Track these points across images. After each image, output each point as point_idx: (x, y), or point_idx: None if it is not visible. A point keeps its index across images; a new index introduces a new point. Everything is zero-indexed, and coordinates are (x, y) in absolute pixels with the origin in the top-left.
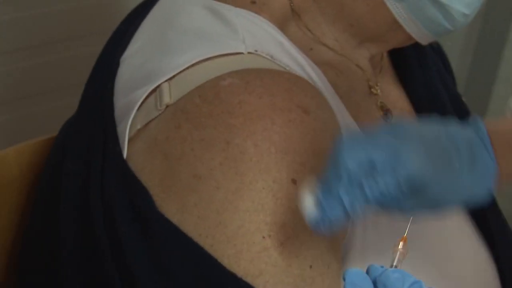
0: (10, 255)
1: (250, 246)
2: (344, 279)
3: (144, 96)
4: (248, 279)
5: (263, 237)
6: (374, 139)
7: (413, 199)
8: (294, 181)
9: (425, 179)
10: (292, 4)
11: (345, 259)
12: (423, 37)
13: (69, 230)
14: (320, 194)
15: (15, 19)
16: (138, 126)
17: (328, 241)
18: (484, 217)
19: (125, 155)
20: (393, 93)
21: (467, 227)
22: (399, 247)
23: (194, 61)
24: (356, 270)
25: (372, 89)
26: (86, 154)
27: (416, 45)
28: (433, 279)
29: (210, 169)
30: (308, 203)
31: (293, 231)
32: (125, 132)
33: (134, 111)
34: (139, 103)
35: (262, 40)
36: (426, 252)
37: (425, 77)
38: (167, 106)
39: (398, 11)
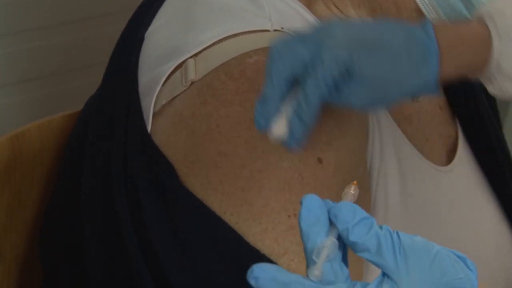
0: (33, 230)
1: (275, 224)
2: (301, 203)
3: (169, 72)
4: (273, 258)
5: (289, 216)
6: (301, 39)
7: (355, 86)
8: (320, 160)
9: (356, 58)
10: None
11: None
12: None
13: (91, 204)
14: (259, 106)
15: None
16: (163, 102)
17: None
18: (509, 198)
19: (149, 130)
20: None
21: (490, 207)
22: (351, 190)
23: (220, 37)
24: (313, 196)
25: None
26: (109, 128)
27: None
28: None
29: (235, 146)
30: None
31: None
32: (150, 107)
33: (159, 86)
34: (164, 78)
35: (288, 18)
36: (447, 233)
37: None
38: (192, 83)
39: None
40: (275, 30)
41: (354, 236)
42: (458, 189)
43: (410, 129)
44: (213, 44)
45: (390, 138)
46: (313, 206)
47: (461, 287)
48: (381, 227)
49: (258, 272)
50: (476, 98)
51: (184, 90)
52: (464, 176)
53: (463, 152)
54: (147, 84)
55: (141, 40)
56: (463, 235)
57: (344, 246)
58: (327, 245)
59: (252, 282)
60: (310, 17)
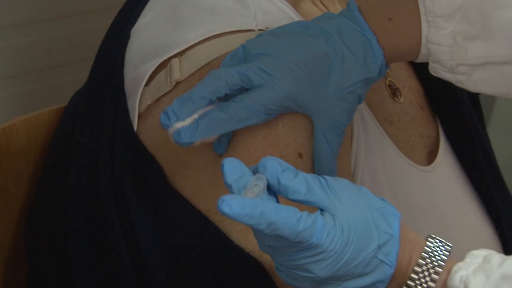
0: (19, 224)
1: None
2: (222, 166)
3: (152, 70)
4: (256, 255)
5: None
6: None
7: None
8: (300, 155)
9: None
10: None
11: None
12: None
13: (78, 201)
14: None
15: None
16: (149, 102)
17: None
18: (490, 196)
19: (135, 129)
20: (403, 72)
21: (472, 206)
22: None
23: (205, 37)
24: (233, 158)
25: None
26: (96, 125)
27: None
28: None
29: None
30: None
31: (300, 207)
32: (135, 106)
33: (143, 84)
34: (147, 76)
35: (274, 17)
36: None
37: None
38: (177, 83)
39: None
40: (260, 30)
41: (284, 179)
42: (440, 189)
43: (391, 129)
44: (198, 43)
45: (375, 138)
46: (235, 164)
47: (386, 211)
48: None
49: (229, 199)
50: (458, 98)
51: (170, 91)
52: (446, 175)
53: (444, 152)
54: (132, 82)
55: (127, 37)
56: (446, 234)
57: (276, 196)
58: (256, 182)
59: (226, 209)
60: (295, 16)
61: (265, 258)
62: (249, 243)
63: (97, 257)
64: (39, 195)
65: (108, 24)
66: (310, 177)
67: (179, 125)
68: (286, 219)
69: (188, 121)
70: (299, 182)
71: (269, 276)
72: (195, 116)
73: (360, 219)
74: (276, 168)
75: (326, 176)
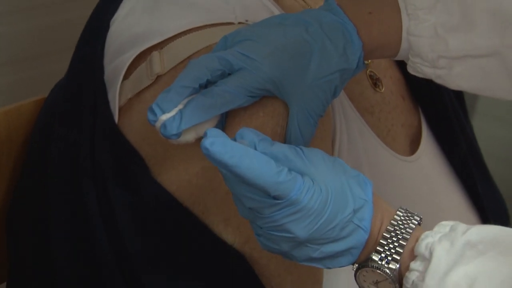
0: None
1: (237, 212)
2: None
3: (130, 61)
4: (236, 246)
5: None
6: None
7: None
8: None
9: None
10: None
11: None
12: None
13: (58, 193)
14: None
15: None
16: (129, 95)
17: None
18: (473, 184)
19: (116, 121)
20: (384, 62)
21: (456, 195)
22: None
23: (184, 29)
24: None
25: None
26: (76, 117)
27: None
28: None
29: None
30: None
31: None
32: (115, 98)
33: (122, 76)
34: (125, 67)
35: (253, 10)
36: None
37: None
38: (158, 76)
39: None
40: (239, 23)
41: (261, 148)
42: (424, 178)
43: (373, 120)
44: (178, 35)
45: (357, 129)
46: (216, 131)
47: (360, 179)
48: None
49: (214, 136)
50: (439, 87)
51: (152, 84)
52: (428, 165)
53: (427, 141)
54: (111, 73)
55: (106, 28)
56: (430, 224)
57: None
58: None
59: (207, 144)
60: (275, 9)
61: (246, 249)
62: (230, 235)
63: (78, 248)
64: (20, 186)
65: (88, 14)
66: (286, 146)
67: (164, 117)
68: (267, 167)
69: (173, 112)
70: (276, 150)
71: (250, 267)
72: (180, 106)
73: (336, 184)
74: (253, 137)
75: (301, 146)
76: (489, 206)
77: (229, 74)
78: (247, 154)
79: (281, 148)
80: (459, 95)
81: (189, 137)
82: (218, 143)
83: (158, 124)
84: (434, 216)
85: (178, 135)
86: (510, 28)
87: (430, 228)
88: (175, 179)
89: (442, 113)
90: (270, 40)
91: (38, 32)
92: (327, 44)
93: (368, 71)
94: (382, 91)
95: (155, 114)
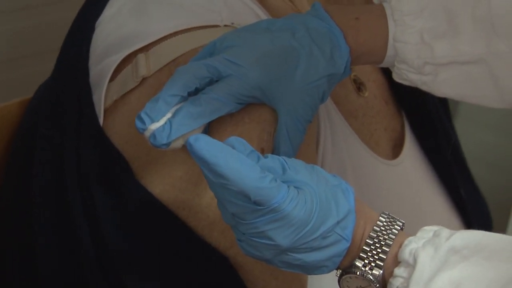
0: None
1: (221, 217)
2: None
3: (117, 64)
4: (220, 250)
5: None
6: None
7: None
8: (262, 150)
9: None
10: None
11: None
12: None
13: (42, 194)
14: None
15: None
16: (115, 97)
17: None
18: (456, 187)
19: (101, 123)
20: (368, 66)
21: (439, 198)
22: None
23: (170, 31)
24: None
25: None
26: (61, 119)
27: None
28: None
29: None
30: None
31: None
32: (101, 100)
33: (108, 78)
34: (112, 70)
35: (239, 12)
36: None
37: None
38: (144, 78)
39: None
40: (225, 25)
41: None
42: (407, 182)
43: (356, 124)
44: (164, 38)
45: (341, 133)
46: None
47: (342, 188)
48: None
49: (200, 135)
50: (423, 91)
51: (137, 86)
52: (412, 168)
53: (410, 145)
54: (97, 75)
55: (92, 29)
56: (413, 227)
57: None
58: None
59: (192, 141)
60: (261, 12)
61: (230, 254)
62: (214, 239)
63: (62, 247)
64: (4, 188)
65: (74, 15)
66: (271, 160)
67: (153, 126)
68: (250, 170)
69: (162, 121)
70: (263, 161)
71: (234, 271)
72: (169, 115)
73: (321, 194)
74: (242, 149)
75: (285, 157)
76: (472, 210)
77: (217, 81)
78: (231, 155)
79: (267, 161)
80: (442, 100)
81: (177, 144)
82: (202, 140)
83: (147, 134)
84: (417, 219)
85: (168, 144)
86: (495, 36)
87: (413, 231)
88: (158, 182)
89: (425, 117)
90: (257, 46)
91: (23, 34)
92: (314, 49)
93: (352, 75)
94: (365, 95)
95: (143, 123)
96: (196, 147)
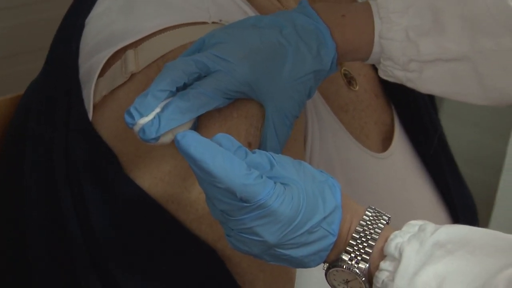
0: None
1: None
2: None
3: (106, 60)
4: (209, 243)
5: None
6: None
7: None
8: (249, 144)
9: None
10: None
11: None
12: None
13: (33, 190)
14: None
15: None
16: (104, 92)
17: None
18: (444, 181)
19: (90, 119)
20: None
21: (427, 192)
22: None
23: (159, 28)
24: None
25: None
26: (51, 115)
27: None
28: None
29: None
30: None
31: None
32: (90, 96)
33: (97, 74)
34: (101, 66)
35: (226, 10)
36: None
37: None
38: (132, 74)
39: None
40: (213, 22)
41: (237, 155)
42: (396, 175)
43: (347, 118)
44: (152, 34)
45: (329, 128)
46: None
47: (329, 183)
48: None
49: (188, 132)
50: None
51: (126, 82)
52: (400, 162)
53: (399, 138)
54: (87, 72)
55: (81, 27)
56: (401, 219)
57: None
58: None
59: (179, 137)
60: (249, 9)
61: (218, 247)
62: (202, 233)
63: (55, 254)
64: None
65: (63, 14)
66: (259, 156)
67: (142, 121)
68: (236, 167)
69: (151, 116)
70: (250, 158)
71: (222, 263)
72: (158, 110)
73: (308, 190)
74: (229, 145)
75: (272, 153)
76: (459, 203)
77: (205, 76)
78: (218, 152)
79: (254, 156)
80: (430, 95)
81: (166, 139)
82: (189, 137)
83: (136, 128)
84: (406, 212)
85: (157, 139)
86: (480, 33)
87: (402, 224)
88: (147, 176)
89: (414, 111)
90: (245, 42)
91: (14, 31)
92: (301, 46)
93: (342, 70)
94: (356, 89)
95: (133, 117)
96: (183, 144)
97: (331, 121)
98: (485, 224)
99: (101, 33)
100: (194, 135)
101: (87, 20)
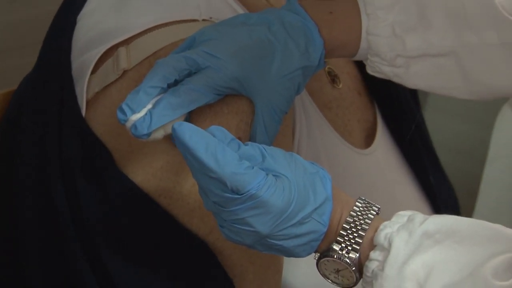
0: None
1: (201, 204)
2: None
3: (98, 57)
4: (200, 236)
5: None
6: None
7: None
8: (240, 139)
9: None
10: None
11: None
12: None
13: (25, 185)
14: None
15: None
16: (96, 89)
17: None
18: (426, 176)
19: (83, 114)
20: (342, 58)
21: (409, 187)
22: None
23: (150, 25)
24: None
25: None
26: (43, 110)
27: None
28: None
29: None
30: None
31: None
32: (83, 92)
33: (90, 71)
34: (93, 63)
35: (217, 7)
36: None
37: None
38: (124, 71)
39: None
40: (203, 20)
41: (230, 147)
42: (379, 171)
43: (330, 115)
44: (144, 32)
45: (316, 124)
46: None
47: (320, 175)
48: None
49: (183, 122)
50: (394, 83)
51: (118, 79)
52: (383, 158)
53: (382, 135)
54: (79, 68)
55: (73, 23)
56: (385, 214)
57: None
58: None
59: (176, 125)
60: (238, 7)
61: (209, 239)
62: (194, 226)
63: (48, 248)
64: None
65: (56, 10)
66: (251, 148)
67: (134, 117)
68: (228, 158)
69: (143, 112)
70: (242, 150)
71: (213, 256)
72: (149, 106)
73: (299, 181)
74: (223, 139)
75: (264, 146)
76: (440, 197)
77: (196, 73)
78: (211, 142)
79: (247, 149)
80: (412, 91)
81: (158, 135)
82: (185, 126)
83: (128, 124)
84: (389, 207)
85: (149, 135)
86: (467, 28)
87: (386, 218)
88: (140, 172)
89: (396, 108)
90: (235, 39)
91: (6, 27)
92: (289, 42)
93: (326, 68)
94: (339, 87)
95: (124, 114)
96: (179, 132)
97: (317, 117)
98: (469, 214)
99: (93, 29)
100: (190, 125)
101: (79, 17)
